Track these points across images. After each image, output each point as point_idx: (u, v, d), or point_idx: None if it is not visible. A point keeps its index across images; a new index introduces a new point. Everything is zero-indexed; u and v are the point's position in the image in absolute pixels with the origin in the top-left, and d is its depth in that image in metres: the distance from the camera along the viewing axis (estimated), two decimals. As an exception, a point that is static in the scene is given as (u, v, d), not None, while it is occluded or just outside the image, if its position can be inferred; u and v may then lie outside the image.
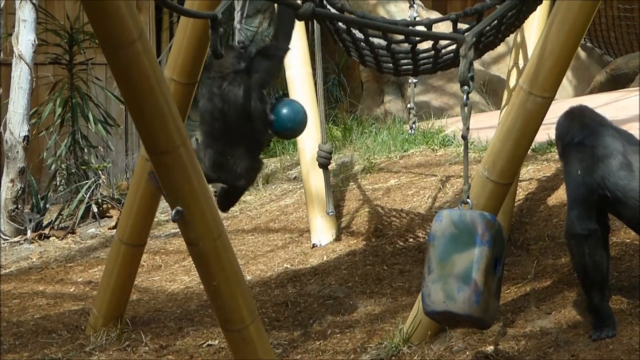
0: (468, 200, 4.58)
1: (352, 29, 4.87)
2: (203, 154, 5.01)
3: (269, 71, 5.01)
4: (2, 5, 8.68)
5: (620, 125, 5.41)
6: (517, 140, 4.85)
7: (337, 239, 7.11)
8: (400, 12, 11.25)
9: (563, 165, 5.22)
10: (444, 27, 8.06)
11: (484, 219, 4.46)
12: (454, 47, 4.99)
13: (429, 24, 4.90)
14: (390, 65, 5.26)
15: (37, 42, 8.60)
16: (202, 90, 5.03)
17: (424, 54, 5.10)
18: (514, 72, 6.25)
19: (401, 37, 4.92)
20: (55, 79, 9.31)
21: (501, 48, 11.12)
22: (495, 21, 4.82)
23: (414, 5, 6.69)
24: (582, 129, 5.14)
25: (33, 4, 8.57)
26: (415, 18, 6.64)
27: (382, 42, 5.03)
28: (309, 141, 7.10)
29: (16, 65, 8.58)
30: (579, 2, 4.55)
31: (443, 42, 5.00)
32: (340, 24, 4.81)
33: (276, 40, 5.14)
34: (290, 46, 5.10)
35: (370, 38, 4.93)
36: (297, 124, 5.15)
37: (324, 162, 6.90)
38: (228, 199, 5.29)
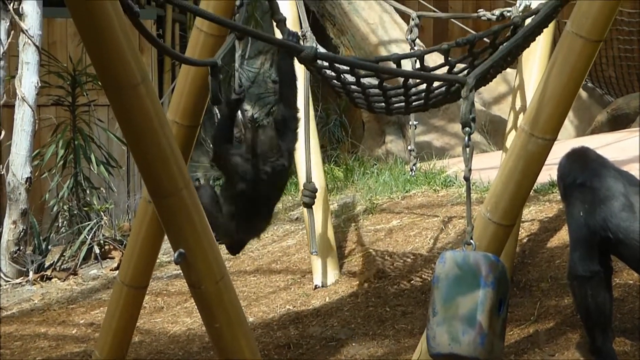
0: (471, 241, 4.58)
1: (342, 74, 4.91)
2: (224, 209, 5.10)
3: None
4: (5, 47, 8.72)
5: (621, 166, 5.42)
6: (519, 182, 4.85)
7: (339, 280, 7.10)
8: (402, 52, 11.27)
9: (565, 207, 5.22)
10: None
11: (487, 261, 4.45)
12: (444, 87, 5.04)
13: (420, 55, 4.94)
14: (382, 104, 5.29)
15: (40, 84, 8.64)
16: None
17: (415, 89, 5.14)
18: (514, 114, 6.27)
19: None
20: (57, 120, 9.35)
21: (502, 88, 11.18)
22: (489, 58, 4.86)
23: (415, 48, 6.72)
24: (584, 171, 5.15)
25: (36, 46, 8.61)
26: (416, 61, 6.65)
27: (374, 81, 5.07)
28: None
29: (19, 107, 8.61)
30: (580, 43, 4.56)
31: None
32: (328, 71, 4.84)
33: (289, 108, 5.19)
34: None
35: (362, 79, 4.96)
36: None
37: (308, 202, 6.80)
38: (239, 246, 5.37)
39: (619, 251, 5.07)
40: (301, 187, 7.28)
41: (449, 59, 4.89)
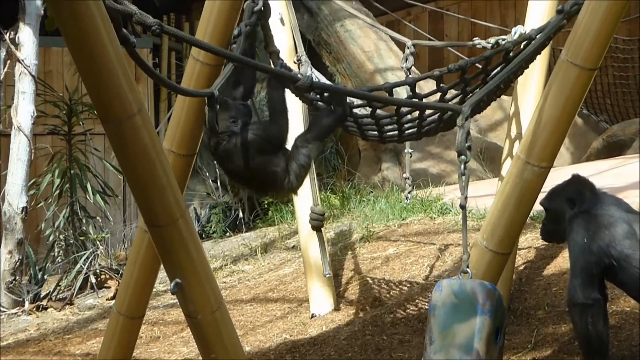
0: (468, 269, 4.58)
1: None
2: None
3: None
4: (1, 77, 8.74)
5: (617, 193, 5.43)
6: (516, 210, 4.85)
7: (336, 308, 7.09)
8: (397, 80, 11.30)
9: (567, 234, 5.19)
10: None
11: (484, 289, 4.45)
12: (437, 115, 5.05)
13: (412, 83, 4.97)
14: (375, 133, 5.31)
15: (36, 114, 8.66)
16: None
17: (409, 122, 5.15)
18: (510, 141, 6.28)
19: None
20: (53, 149, 9.35)
21: (498, 115, 11.19)
22: (484, 86, 4.89)
23: (410, 76, 6.74)
24: (587, 198, 5.15)
25: (32, 76, 8.63)
26: (411, 89, 6.67)
27: (365, 111, 5.09)
28: (307, 211, 7.10)
29: (15, 136, 8.62)
30: (575, 72, 4.58)
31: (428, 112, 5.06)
32: (320, 103, 4.87)
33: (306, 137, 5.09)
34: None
35: (354, 110, 4.98)
36: None
37: (316, 225, 6.93)
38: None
39: (618, 278, 5.07)
40: (298, 216, 7.30)
41: (441, 85, 4.92)
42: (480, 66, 5.03)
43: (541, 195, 5.05)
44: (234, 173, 4.95)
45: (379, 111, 5.07)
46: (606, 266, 5.00)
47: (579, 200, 5.16)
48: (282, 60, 5.11)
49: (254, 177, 4.91)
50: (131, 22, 4.03)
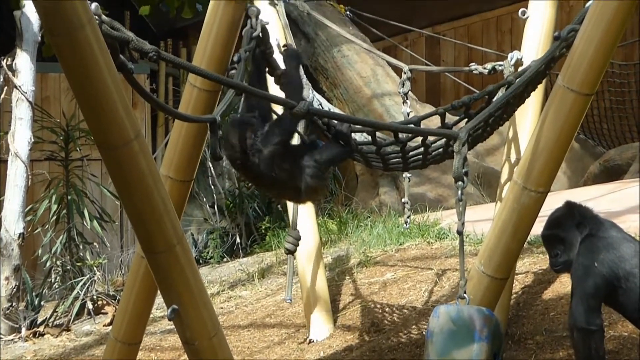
0: (465, 295, 4.58)
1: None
2: None
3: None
4: (-1, 103, 8.75)
5: (614, 218, 5.42)
6: (513, 235, 4.86)
7: (334, 334, 7.07)
8: (394, 105, 11.35)
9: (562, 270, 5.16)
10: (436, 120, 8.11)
11: (481, 315, 4.45)
12: (442, 141, 5.06)
13: (417, 122, 4.98)
14: (380, 164, 5.32)
15: (33, 140, 8.66)
16: None
17: (414, 152, 5.16)
18: (508, 166, 6.28)
19: (390, 139, 5.01)
20: (50, 175, 9.34)
21: (495, 140, 11.20)
22: (485, 115, 4.90)
23: (407, 101, 6.76)
24: (590, 222, 5.13)
25: (29, 102, 8.64)
26: (408, 113, 6.71)
27: (372, 147, 5.11)
28: (304, 236, 7.08)
29: (12, 162, 8.62)
30: (571, 97, 4.59)
31: (432, 138, 5.06)
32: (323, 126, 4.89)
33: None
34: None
35: (359, 145, 5.01)
36: None
37: (290, 248, 6.74)
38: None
39: (620, 300, 5.03)
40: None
41: (446, 122, 4.93)
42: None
43: (539, 221, 5.04)
44: (259, 183, 5.01)
45: (379, 138, 5.09)
46: (612, 289, 4.97)
47: (584, 225, 5.14)
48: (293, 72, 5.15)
49: (277, 186, 4.95)
50: (128, 48, 4.05)
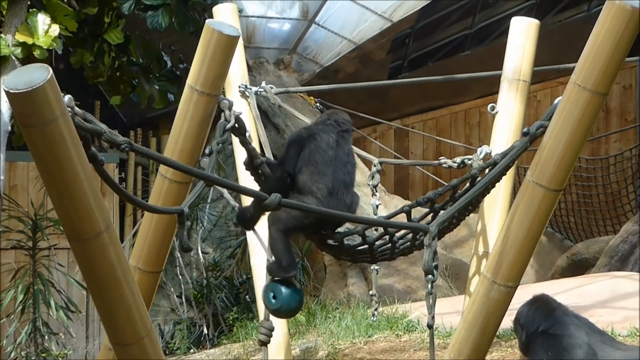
0: (435, 390, 4.56)
1: None
2: None
3: None
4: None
5: (582, 312, 5.42)
6: (482, 329, 4.86)
7: None
8: (363, 196, 11.36)
9: (528, 355, 5.16)
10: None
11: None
12: (409, 235, 5.09)
13: (385, 224, 5.04)
14: (348, 256, 5.35)
15: (0, 230, 8.60)
16: None
17: (382, 248, 5.19)
18: (476, 259, 6.30)
19: (358, 238, 5.07)
20: (17, 265, 9.27)
21: (463, 232, 11.25)
22: (451, 206, 4.94)
23: (376, 194, 6.78)
24: (547, 318, 5.13)
25: (-3, 191, 8.60)
26: (377, 206, 6.73)
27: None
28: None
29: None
30: (540, 192, 4.63)
31: (399, 233, 5.11)
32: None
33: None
34: None
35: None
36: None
37: (264, 339, 6.67)
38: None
39: None
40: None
41: (412, 219, 4.99)
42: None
43: (508, 314, 5.04)
44: None
45: (347, 229, 5.13)
46: None
47: (539, 321, 5.13)
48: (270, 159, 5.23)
49: None
50: (99, 139, 4.06)
